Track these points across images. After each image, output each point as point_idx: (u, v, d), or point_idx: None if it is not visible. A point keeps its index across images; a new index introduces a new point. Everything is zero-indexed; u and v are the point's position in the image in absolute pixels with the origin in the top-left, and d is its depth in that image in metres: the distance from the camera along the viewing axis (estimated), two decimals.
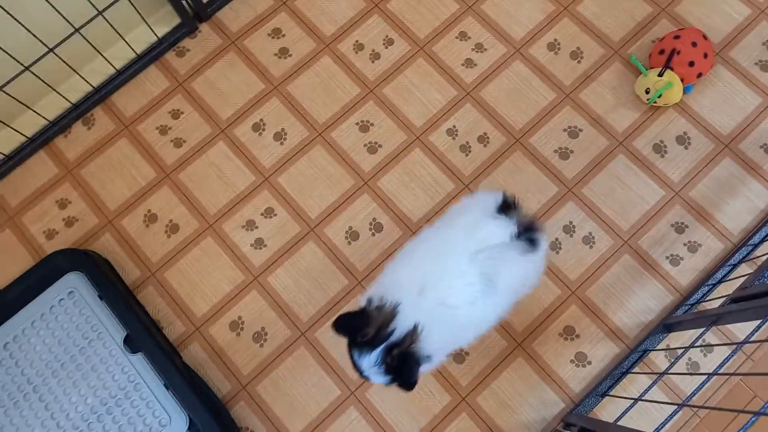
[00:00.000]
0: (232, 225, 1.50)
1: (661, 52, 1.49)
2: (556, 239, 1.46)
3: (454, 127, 1.55)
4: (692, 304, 1.35)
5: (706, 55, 1.46)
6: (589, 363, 1.38)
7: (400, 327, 0.92)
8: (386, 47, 1.62)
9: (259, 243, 1.48)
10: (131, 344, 1.37)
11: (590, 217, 1.47)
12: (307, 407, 1.37)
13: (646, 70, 1.50)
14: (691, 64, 1.45)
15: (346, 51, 1.62)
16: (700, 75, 1.48)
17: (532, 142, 1.53)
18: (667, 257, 1.44)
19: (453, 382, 1.38)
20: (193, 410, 1.30)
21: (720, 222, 1.46)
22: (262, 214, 1.50)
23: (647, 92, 1.48)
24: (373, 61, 1.61)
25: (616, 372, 1.33)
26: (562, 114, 1.54)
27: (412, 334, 0.92)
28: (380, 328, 0.93)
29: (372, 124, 1.56)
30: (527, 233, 1.02)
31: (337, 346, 1.40)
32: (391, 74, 1.59)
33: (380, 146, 1.54)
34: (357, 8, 1.65)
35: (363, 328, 0.93)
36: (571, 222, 1.47)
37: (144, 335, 1.35)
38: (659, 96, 1.46)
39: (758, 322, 0.99)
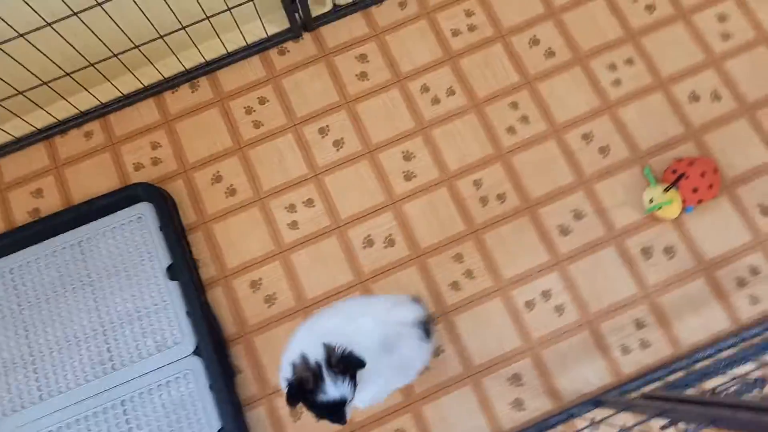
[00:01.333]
0: (277, 203, 1.82)
1: (674, 171, 1.69)
2: (533, 299, 1.71)
3: (480, 179, 1.80)
4: (625, 391, 1.57)
5: (711, 186, 1.66)
6: (524, 409, 1.63)
7: (315, 357, 1.15)
8: (447, 96, 1.89)
9: (293, 224, 1.80)
10: (171, 272, 1.71)
11: (567, 291, 1.71)
12: None
13: (655, 182, 1.71)
14: (695, 190, 1.66)
15: (414, 90, 1.90)
16: (700, 201, 1.68)
17: (541, 212, 1.77)
18: (619, 345, 1.66)
19: (408, 387, 1.65)
20: (201, 338, 1.63)
21: (675, 331, 1.66)
22: (303, 203, 1.81)
23: (651, 201, 1.69)
24: (432, 104, 1.88)
25: (542, 425, 1.58)
26: (574, 196, 1.77)
27: (326, 348, 1.15)
28: (310, 369, 1.14)
29: (414, 156, 1.83)
30: (426, 324, 1.32)
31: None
32: (444, 119, 1.86)
33: (415, 176, 1.82)
34: (435, 56, 1.92)
35: (304, 386, 1.13)
36: (550, 289, 1.71)
37: (183, 268, 1.69)
38: (659, 208, 1.68)
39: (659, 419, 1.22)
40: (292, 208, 1.81)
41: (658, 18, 1.91)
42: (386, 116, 1.88)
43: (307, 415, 1.64)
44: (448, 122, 1.87)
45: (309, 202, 1.82)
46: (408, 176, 1.82)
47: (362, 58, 1.94)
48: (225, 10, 1.70)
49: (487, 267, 1.74)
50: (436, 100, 1.89)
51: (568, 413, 1.57)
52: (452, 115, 1.87)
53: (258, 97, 1.92)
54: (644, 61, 1.87)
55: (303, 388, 1.12)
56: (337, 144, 1.86)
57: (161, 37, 1.69)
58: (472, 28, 1.94)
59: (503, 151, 1.83)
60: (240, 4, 1.71)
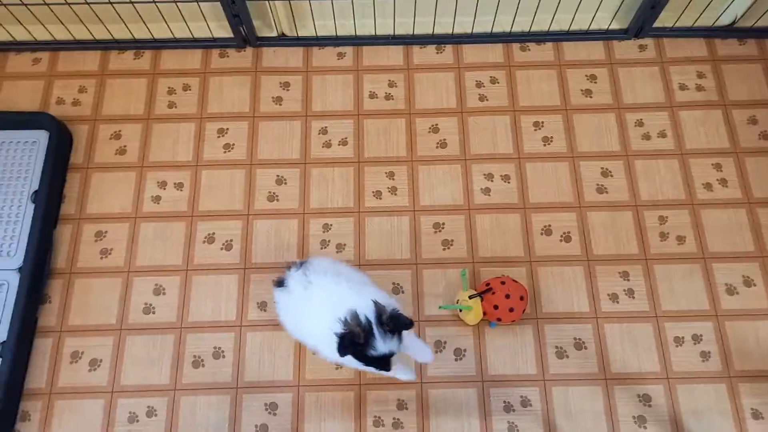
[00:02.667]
0: (153, 176, 2.01)
1: (487, 284, 1.79)
2: None
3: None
4: None
5: (511, 310, 1.75)
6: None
7: (365, 313, 1.27)
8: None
9: (156, 199, 1.98)
10: (35, 196, 1.90)
11: None
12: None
13: (467, 287, 1.81)
14: (495, 307, 1.74)
15: (313, 127, 2.07)
16: (499, 320, 1.77)
17: None
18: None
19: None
20: (28, 261, 1.82)
21: (430, 425, 1.74)
22: (175, 184, 2.00)
23: (457, 302, 1.79)
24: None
25: None
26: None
27: (377, 307, 1.28)
28: (360, 325, 1.25)
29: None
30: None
31: None
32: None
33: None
34: (345, 107, 2.10)
35: (355, 340, 1.25)
36: None
37: (46, 198, 1.88)
38: (460, 310, 1.77)
39: None
40: (163, 184, 1.99)
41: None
42: (280, 139, 2.05)
43: (83, 363, 1.78)
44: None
45: (179, 186, 1.99)
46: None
47: (285, 85, 2.14)
48: (172, 1, 1.93)
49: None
50: (330, 144, 2.05)
51: None
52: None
53: (183, 84, 2.13)
54: (518, 180, 1.99)
55: (354, 342, 1.24)
56: (228, 147, 2.04)
57: (110, 3, 1.92)
58: (389, 97, 2.11)
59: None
60: (185, 1, 1.93)
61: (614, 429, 1.70)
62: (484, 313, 1.76)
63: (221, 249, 1.92)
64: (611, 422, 1.71)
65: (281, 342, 1.80)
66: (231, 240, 1.93)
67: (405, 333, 1.33)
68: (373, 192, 1.99)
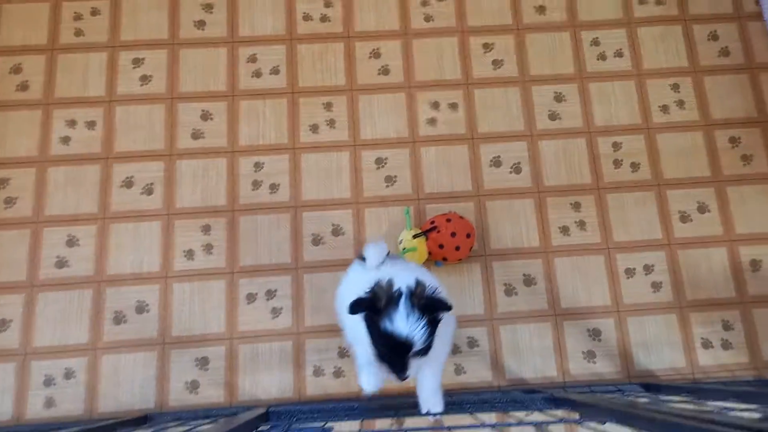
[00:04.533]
0: (61, 114, 1.79)
1: (432, 222, 1.66)
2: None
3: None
4: None
5: (457, 248, 1.63)
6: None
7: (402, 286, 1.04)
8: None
9: (65, 140, 1.77)
10: None
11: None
12: None
13: (411, 226, 1.68)
14: (441, 246, 1.62)
15: (241, 54, 1.86)
16: (445, 259, 1.65)
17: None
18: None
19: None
20: None
21: None
22: (86, 123, 1.79)
23: (400, 242, 1.67)
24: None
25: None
26: None
27: (417, 282, 1.05)
28: (389, 292, 1.03)
29: (211, 117, 1.80)
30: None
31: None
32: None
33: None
34: (275, 31, 1.88)
35: (375, 302, 1.02)
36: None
37: None
38: (405, 252, 1.65)
39: None
40: (72, 123, 1.79)
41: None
42: (204, 69, 1.85)
43: None
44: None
45: (91, 125, 1.78)
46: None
47: (207, 7, 1.91)
48: None
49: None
50: (260, 73, 1.85)
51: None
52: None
53: (92, 8, 1.89)
54: (464, 107, 1.83)
55: (372, 304, 1.02)
56: (145, 79, 1.83)
57: None
58: (324, 18, 1.89)
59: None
60: None
61: (563, 365, 1.63)
62: (429, 253, 1.64)
63: (141, 194, 1.74)
64: (560, 358, 1.64)
65: (211, 293, 1.66)
66: (152, 183, 1.75)
67: (430, 357, 1.07)
68: (309, 126, 1.81)
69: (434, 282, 1.11)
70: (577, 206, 1.76)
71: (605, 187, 1.79)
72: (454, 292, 1.69)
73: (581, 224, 1.75)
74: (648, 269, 1.72)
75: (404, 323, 1.00)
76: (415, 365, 1.05)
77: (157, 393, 1.60)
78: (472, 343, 1.66)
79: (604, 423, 1.00)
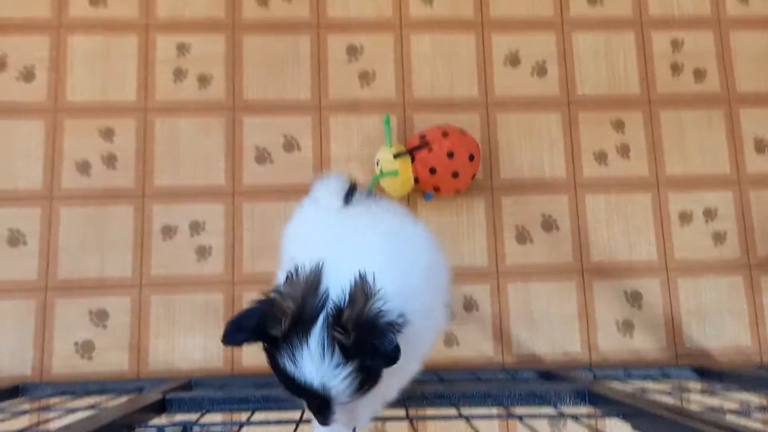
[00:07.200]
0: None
1: (422, 137, 1.19)
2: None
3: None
4: None
5: (455, 175, 1.17)
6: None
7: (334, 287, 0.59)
8: None
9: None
10: None
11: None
12: None
13: (391, 143, 1.20)
14: (432, 170, 1.16)
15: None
16: (437, 189, 1.19)
17: None
18: None
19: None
20: None
21: None
22: None
23: (377, 164, 1.20)
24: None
25: None
26: None
27: (363, 286, 0.58)
28: (304, 300, 0.59)
29: None
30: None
31: None
32: None
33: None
34: None
35: (270, 324, 0.58)
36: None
37: None
38: (382, 176, 1.18)
39: None
40: None
41: None
42: None
43: None
44: None
45: None
46: None
47: None
48: None
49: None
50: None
51: None
52: None
53: None
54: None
55: (265, 329, 0.58)
56: None
57: None
58: None
59: None
60: None
61: (590, 338, 1.23)
62: (416, 180, 1.19)
63: (17, 80, 1.25)
64: (587, 329, 1.24)
65: (113, 222, 1.21)
66: (32, 66, 1.26)
67: (378, 394, 0.64)
68: None
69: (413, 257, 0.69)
70: (619, 125, 1.31)
71: (658, 100, 1.33)
72: (448, 237, 1.24)
73: (624, 150, 1.31)
74: (709, 215, 1.30)
75: (314, 368, 0.57)
76: (347, 410, 0.62)
77: (35, 356, 1.17)
78: (470, 304, 1.23)
79: None
